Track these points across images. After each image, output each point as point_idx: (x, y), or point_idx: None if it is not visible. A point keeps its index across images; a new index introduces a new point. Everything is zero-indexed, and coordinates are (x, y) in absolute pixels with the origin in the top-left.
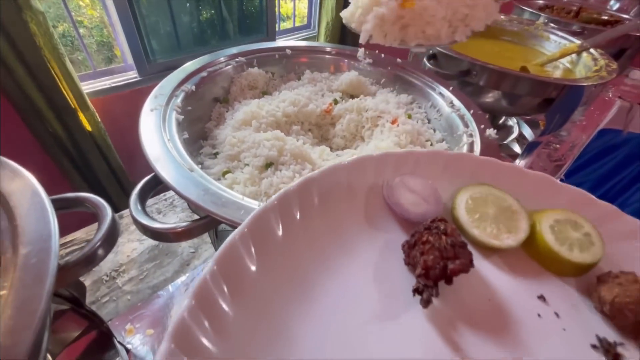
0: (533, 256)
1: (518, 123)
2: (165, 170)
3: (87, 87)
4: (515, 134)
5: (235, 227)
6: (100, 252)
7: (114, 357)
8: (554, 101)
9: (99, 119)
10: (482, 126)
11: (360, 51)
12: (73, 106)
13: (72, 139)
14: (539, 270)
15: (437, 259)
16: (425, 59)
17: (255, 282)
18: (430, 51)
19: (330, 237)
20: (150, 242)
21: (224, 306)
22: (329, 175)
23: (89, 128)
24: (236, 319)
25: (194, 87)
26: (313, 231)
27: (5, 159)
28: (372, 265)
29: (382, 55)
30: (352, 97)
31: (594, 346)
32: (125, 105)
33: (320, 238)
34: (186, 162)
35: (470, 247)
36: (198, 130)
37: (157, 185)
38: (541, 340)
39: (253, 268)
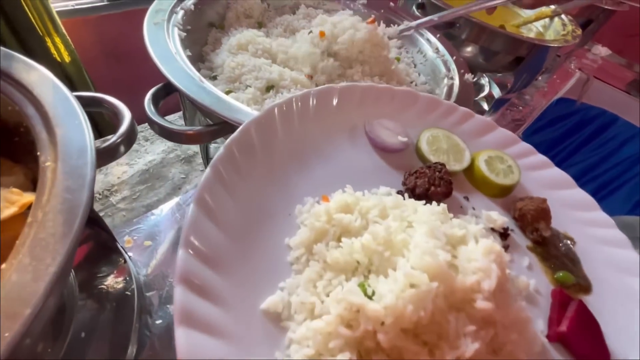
0: (471, 181)
1: (489, 82)
2: (178, 80)
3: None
4: (485, 92)
5: None
6: (122, 147)
7: (117, 258)
8: (523, 60)
9: (73, 47)
10: (462, 71)
11: None
12: (41, 32)
13: None
14: (474, 190)
15: (425, 183)
16: (414, 7)
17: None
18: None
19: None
20: (140, 165)
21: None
22: (323, 93)
23: (66, 58)
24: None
25: (192, 6)
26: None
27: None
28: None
29: None
30: None
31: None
32: (94, 32)
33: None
34: (195, 75)
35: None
36: (195, 53)
37: (166, 95)
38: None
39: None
